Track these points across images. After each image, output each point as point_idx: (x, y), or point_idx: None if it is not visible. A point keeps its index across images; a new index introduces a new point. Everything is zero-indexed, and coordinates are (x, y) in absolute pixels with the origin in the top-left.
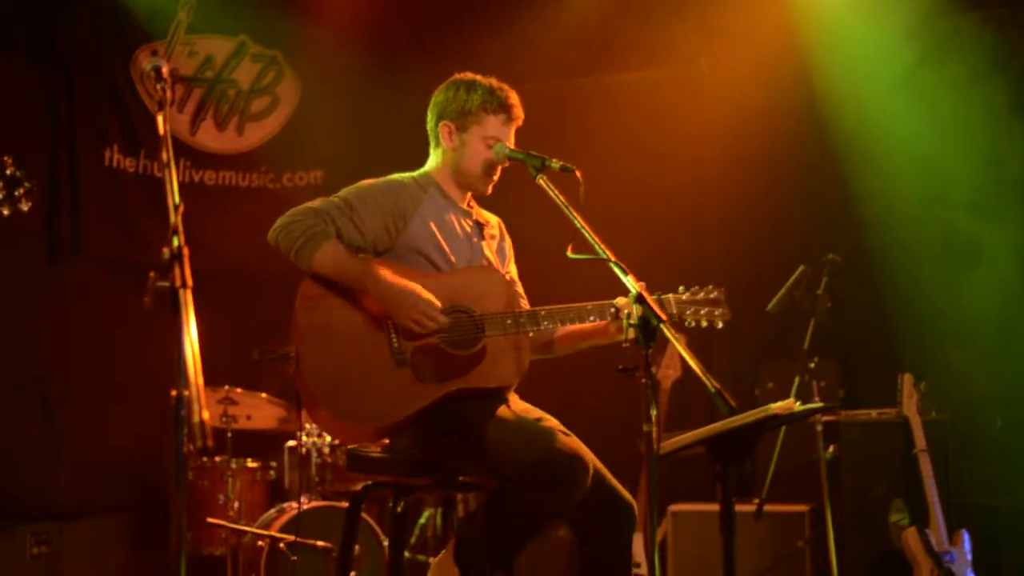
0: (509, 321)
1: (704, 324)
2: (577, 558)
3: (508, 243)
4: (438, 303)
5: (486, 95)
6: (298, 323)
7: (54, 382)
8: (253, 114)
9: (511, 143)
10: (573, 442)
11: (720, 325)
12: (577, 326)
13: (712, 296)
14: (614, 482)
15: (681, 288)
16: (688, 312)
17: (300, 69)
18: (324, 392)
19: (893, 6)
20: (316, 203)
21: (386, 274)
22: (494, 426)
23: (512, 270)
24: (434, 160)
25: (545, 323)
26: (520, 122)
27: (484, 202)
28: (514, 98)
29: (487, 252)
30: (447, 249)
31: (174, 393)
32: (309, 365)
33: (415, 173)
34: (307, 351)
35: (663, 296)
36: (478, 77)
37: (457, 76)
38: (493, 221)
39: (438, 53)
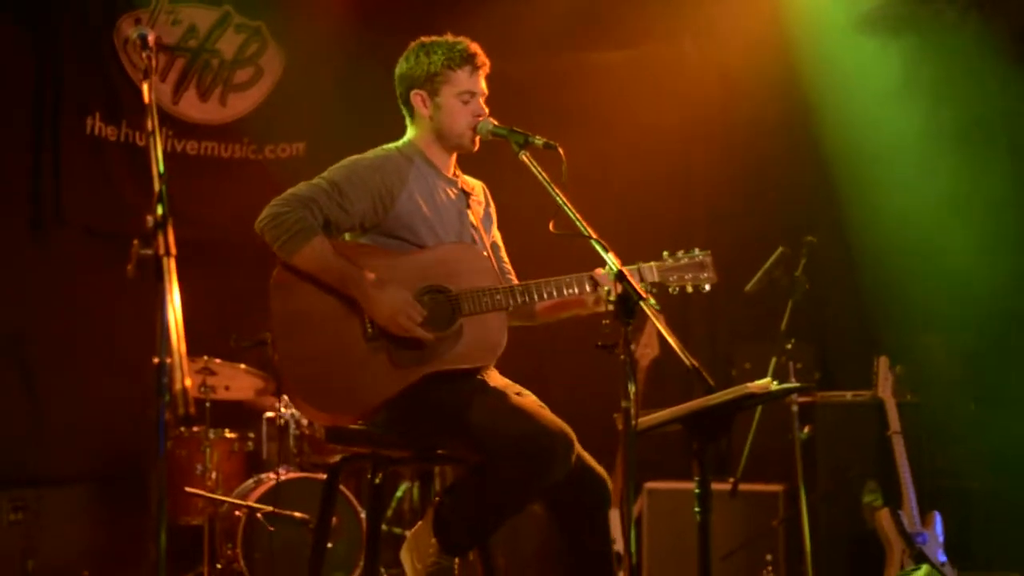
0: (486, 298)
1: (689, 289)
2: (556, 538)
3: (493, 208)
4: (419, 313)
5: (446, 53)
6: (272, 310)
7: (34, 350)
8: (236, 84)
9: (483, 90)
10: (556, 418)
11: (707, 288)
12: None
13: (698, 260)
14: (588, 458)
15: (665, 254)
16: (672, 279)
17: (284, 41)
18: (300, 382)
19: None
20: (303, 189)
21: (367, 280)
22: (477, 404)
23: (496, 235)
24: (414, 131)
25: (523, 298)
26: (487, 68)
27: (468, 171)
28: (474, 47)
29: (474, 220)
30: (434, 223)
31: (156, 361)
32: (284, 354)
33: (399, 143)
34: (282, 339)
35: (644, 265)
36: (433, 37)
37: (412, 44)
38: (478, 187)
39: (422, 27)
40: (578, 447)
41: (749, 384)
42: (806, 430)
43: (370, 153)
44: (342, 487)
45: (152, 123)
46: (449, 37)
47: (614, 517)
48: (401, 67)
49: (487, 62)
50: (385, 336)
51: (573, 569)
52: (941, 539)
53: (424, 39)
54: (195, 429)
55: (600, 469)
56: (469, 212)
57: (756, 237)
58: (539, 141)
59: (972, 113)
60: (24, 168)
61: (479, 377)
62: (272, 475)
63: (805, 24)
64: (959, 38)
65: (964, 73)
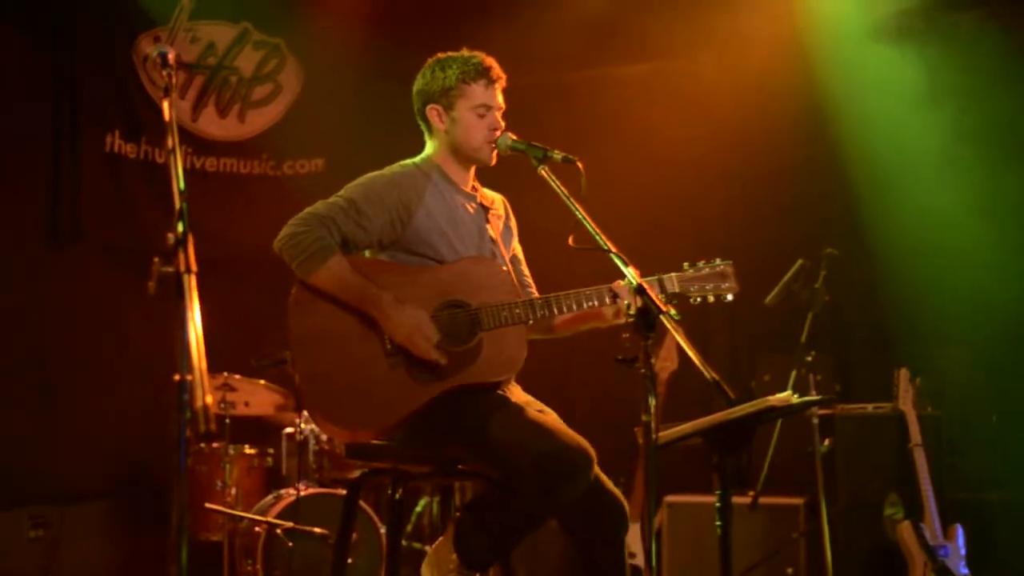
0: (505, 312)
1: (711, 299)
2: (573, 561)
3: (513, 222)
4: (436, 335)
5: (461, 67)
6: (291, 329)
7: (54, 367)
8: (255, 101)
9: (499, 104)
10: (576, 434)
11: (729, 298)
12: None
13: (719, 269)
14: (607, 482)
15: (686, 264)
16: (693, 289)
17: (302, 57)
18: (320, 400)
19: (893, 3)
20: (320, 208)
21: (385, 301)
22: (497, 419)
23: (517, 249)
24: (432, 146)
25: (542, 312)
26: (503, 82)
27: (487, 187)
28: (489, 60)
29: (493, 234)
30: (452, 238)
31: (177, 378)
32: (304, 371)
33: (417, 159)
34: (301, 357)
35: (665, 276)
36: (449, 53)
37: (429, 60)
38: (497, 200)
39: (441, 43)
40: (597, 470)
41: (770, 397)
42: (826, 443)
43: (387, 170)
44: (362, 502)
45: (172, 140)
46: (465, 52)
47: (634, 531)
48: (418, 83)
49: (503, 76)
50: (404, 352)
51: None
52: (963, 552)
53: (440, 55)
54: (215, 445)
55: (618, 493)
56: (488, 226)
57: (775, 249)
58: (558, 155)
59: (993, 122)
60: (43, 185)
61: (500, 392)
62: (292, 491)
63: (823, 35)
64: (978, 47)
65: (982, 82)
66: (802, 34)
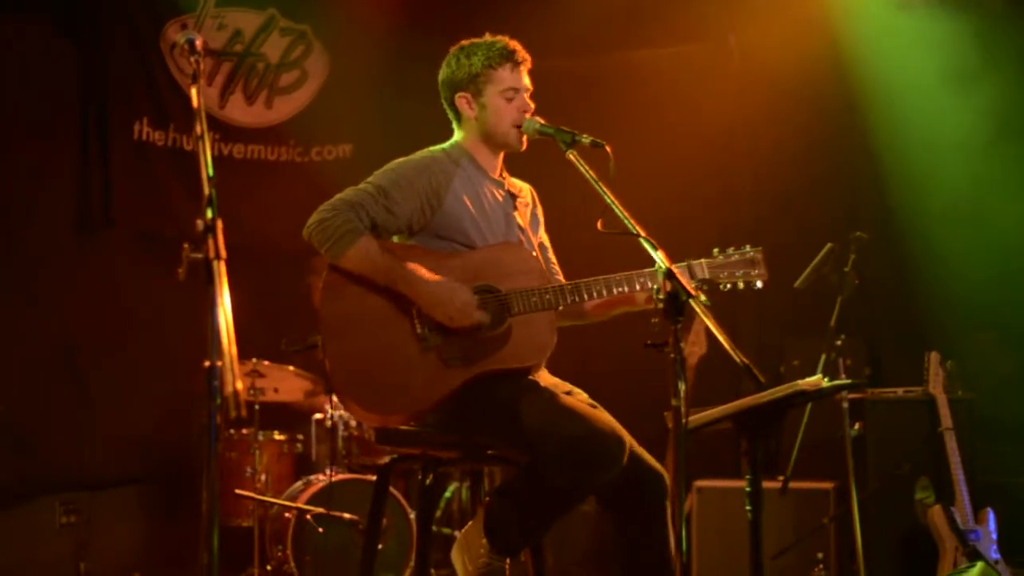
0: (535, 298)
1: (741, 286)
2: (611, 535)
3: (540, 210)
4: (473, 299)
5: (486, 52)
6: (321, 313)
7: (85, 354)
8: (282, 88)
9: (527, 85)
10: (608, 418)
11: (759, 285)
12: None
13: (748, 256)
14: (644, 454)
15: (716, 251)
16: (723, 275)
17: (329, 43)
18: (350, 384)
19: None
20: (349, 194)
21: (417, 273)
22: (528, 405)
23: (544, 237)
24: (461, 134)
25: (572, 297)
26: (529, 64)
27: (516, 172)
28: (513, 43)
29: (521, 222)
30: (481, 224)
31: (207, 364)
32: (334, 357)
33: (446, 145)
34: (331, 342)
35: (694, 262)
36: (472, 40)
37: (452, 48)
38: (525, 189)
39: (466, 27)
40: (633, 443)
41: (800, 381)
42: (857, 427)
43: (416, 155)
44: (391, 488)
45: (201, 127)
46: (488, 37)
47: None
48: (443, 72)
49: (527, 58)
50: (436, 334)
51: (630, 565)
52: (994, 536)
53: (463, 42)
54: (244, 431)
55: (656, 464)
56: (516, 214)
57: (804, 233)
58: (586, 139)
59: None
60: (72, 173)
61: (530, 377)
62: (321, 477)
63: (851, 15)
64: (1008, 21)
65: (1016, 58)
66: (828, 12)
